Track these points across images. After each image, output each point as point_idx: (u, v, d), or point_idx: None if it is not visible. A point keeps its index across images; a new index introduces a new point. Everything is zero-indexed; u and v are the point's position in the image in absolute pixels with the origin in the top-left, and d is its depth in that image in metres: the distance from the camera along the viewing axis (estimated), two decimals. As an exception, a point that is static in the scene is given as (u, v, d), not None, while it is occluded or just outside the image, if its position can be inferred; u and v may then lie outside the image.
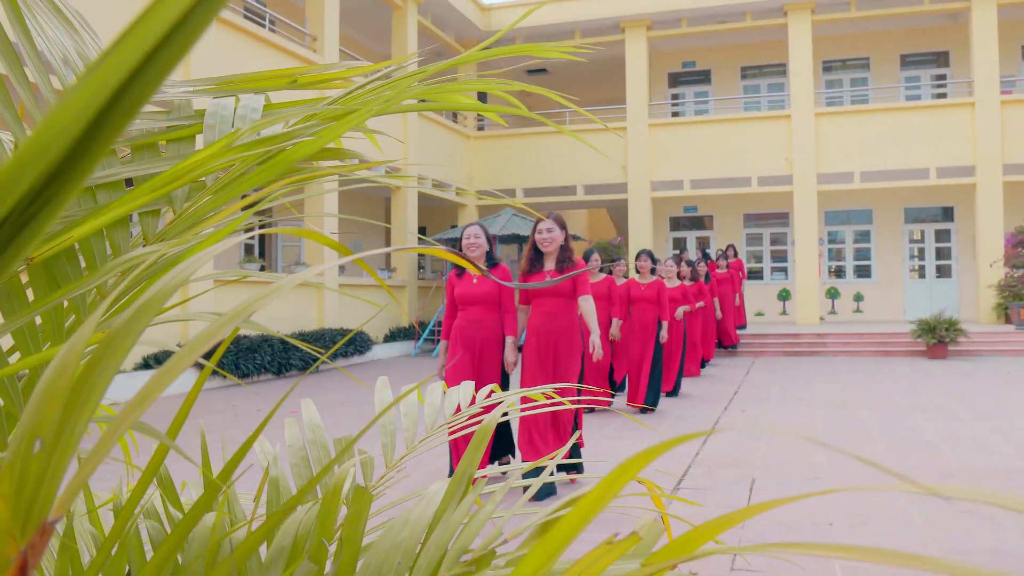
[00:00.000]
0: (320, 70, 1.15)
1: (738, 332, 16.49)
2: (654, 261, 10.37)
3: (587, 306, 5.56)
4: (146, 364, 10.91)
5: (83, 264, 0.87)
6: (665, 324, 9.15)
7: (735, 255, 16.68)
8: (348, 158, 1.12)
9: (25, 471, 0.41)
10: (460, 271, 5.68)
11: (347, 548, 0.79)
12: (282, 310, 14.23)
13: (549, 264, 5.64)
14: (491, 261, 5.65)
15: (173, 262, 0.76)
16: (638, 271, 10.12)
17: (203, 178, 0.92)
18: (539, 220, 5.59)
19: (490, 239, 5.15)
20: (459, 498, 0.84)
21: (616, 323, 8.77)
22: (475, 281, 5.59)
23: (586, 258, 8.46)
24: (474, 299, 5.55)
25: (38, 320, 0.84)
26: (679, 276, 11.08)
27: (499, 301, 5.60)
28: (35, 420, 0.42)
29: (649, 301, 9.14)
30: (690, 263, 12.44)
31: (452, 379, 5.47)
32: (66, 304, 0.84)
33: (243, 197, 0.84)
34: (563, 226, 5.65)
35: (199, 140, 1.00)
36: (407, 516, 0.82)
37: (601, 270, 8.64)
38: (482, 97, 23.91)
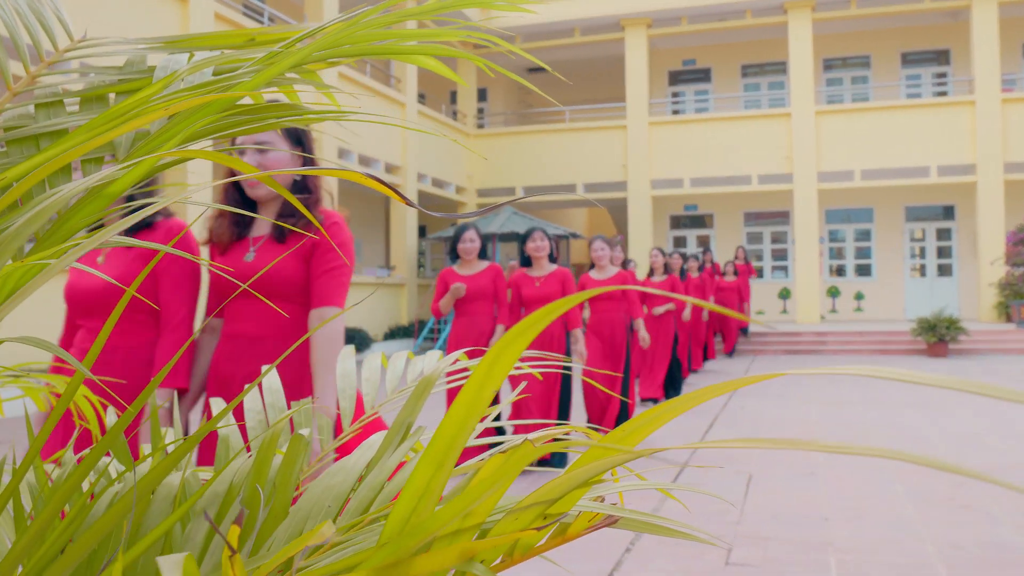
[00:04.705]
0: (281, 30, 1.14)
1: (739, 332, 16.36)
2: (665, 256, 10.19)
3: (323, 340, 2.19)
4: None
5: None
6: (639, 322, 7.33)
7: (744, 258, 16.22)
8: (297, 114, 1.11)
9: None
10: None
11: (279, 492, 0.78)
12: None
13: (263, 224, 2.41)
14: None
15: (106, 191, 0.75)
16: (652, 268, 10.10)
17: (149, 127, 0.92)
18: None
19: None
20: (396, 445, 0.83)
21: (500, 330, 5.87)
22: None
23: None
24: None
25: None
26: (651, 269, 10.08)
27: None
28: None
29: (614, 298, 7.04)
30: (664, 253, 10.12)
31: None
32: None
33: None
34: (299, 137, 2.36)
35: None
36: (343, 464, 0.82)
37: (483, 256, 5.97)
38: (481, 94, 23.90)
